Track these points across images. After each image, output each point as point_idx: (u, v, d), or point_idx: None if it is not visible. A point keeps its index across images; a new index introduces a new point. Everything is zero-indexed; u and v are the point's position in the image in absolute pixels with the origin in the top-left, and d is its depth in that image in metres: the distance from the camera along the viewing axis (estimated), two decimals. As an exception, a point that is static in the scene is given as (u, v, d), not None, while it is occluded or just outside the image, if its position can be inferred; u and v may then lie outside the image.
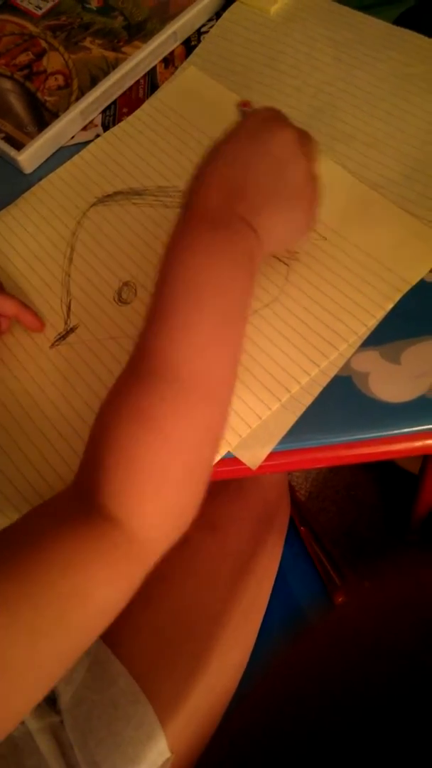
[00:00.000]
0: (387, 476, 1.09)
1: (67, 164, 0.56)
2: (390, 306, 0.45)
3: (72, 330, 0.49)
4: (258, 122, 0.41)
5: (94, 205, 0.54)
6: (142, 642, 0.50)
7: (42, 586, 0.31)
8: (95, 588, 0.33)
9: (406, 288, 0.45)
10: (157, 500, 0.36)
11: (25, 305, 0.48)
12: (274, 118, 0.42)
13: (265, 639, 0.62)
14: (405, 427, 0.42)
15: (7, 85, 0.60)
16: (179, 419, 0.36)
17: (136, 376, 0.37)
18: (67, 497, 0.38)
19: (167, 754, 0.48)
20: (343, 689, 0.16)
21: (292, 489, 1.06)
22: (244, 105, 0.44)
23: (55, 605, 0.31)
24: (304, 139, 0.42)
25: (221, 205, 0.39)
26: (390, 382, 0.43)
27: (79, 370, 0.47)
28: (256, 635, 0.57)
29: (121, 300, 0.49)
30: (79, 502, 0.36)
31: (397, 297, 0.45)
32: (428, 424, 0.42)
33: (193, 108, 0.56)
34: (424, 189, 0.48)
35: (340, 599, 0.70)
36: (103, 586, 0.33)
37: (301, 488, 1.14)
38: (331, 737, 0.15)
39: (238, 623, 0.54)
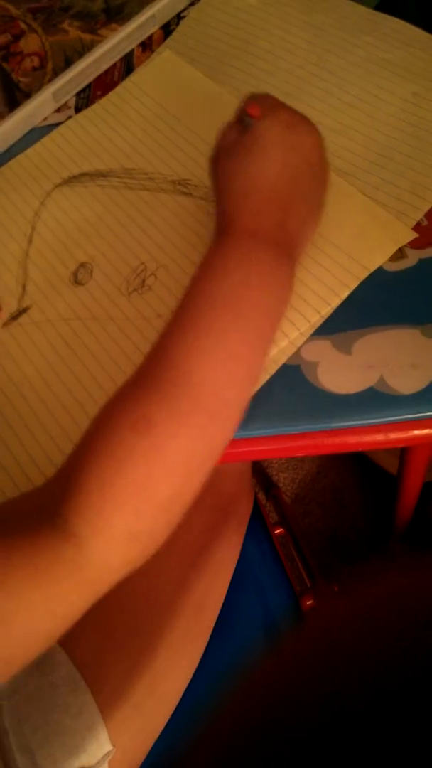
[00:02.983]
0: (375, 480, 1.07)
1: (36, 145, 0.56)
2: (346, 294, 0.43)
3: (24, 310, 0.48)
4: (285, 128, 0.40)
5: (58, 186, 0.53)
6: (86, 632, 0.49)
7: None
8: (21, 611, 0.29)
9: (364, 275, 0.44)
10: (130, 522, 0.31)
11: None
12: (297, 122, 0.40)
13: (234, 643, 0.61)
14: (352, 420, 0.40)
15: (-17, 65, 0.59)
16: (181, 431, 0.33)
17: (145, 381, 0.34)
18: (27, 501, 0.35)
19: (108, 747, 0.47)
20: (319, 703, 0.15)
21: (278, 491, 1.05)
22: (251, 113, 0.40)
23: None
24: (311, 125, 0.41)
25: (276, 224, 0.38)
26: (339, 372, 0.41)
27: (28, 352, 0.46)
28: (209, 630, 0.55)
29: (76, 281, 0.48)
30: (37, 510, 0.32)
31: (355, 284, 0.43)
32: (377, 418, 0.40)
33: (166, 92, 0.56)
34: (390, 176, 0.46)
35: (308, 602, 0.69)
36: (36, 610, 0.29)
37: (288, 490, 1.13)
38: (310, 753, 0.14)
39: (189, 617, 0.52)
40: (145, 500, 0.32)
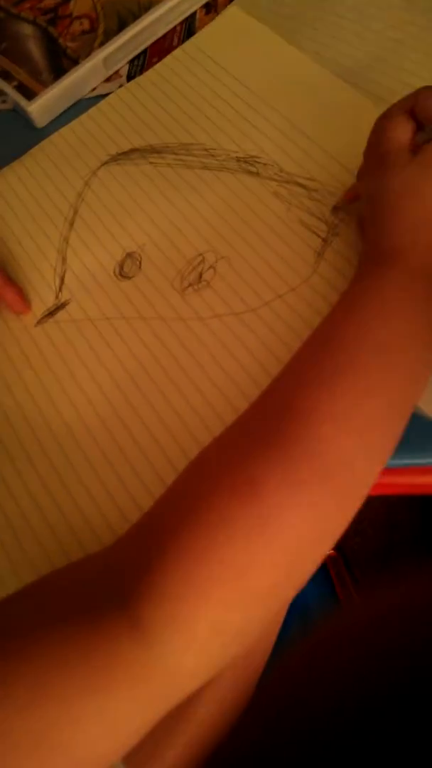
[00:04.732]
0: (429, 499, 0.98)
1: (82, 117, 0.49)
2: None
3: (62, 306, 0.41)
4: None
5: (105, 163, 0.46)
6: None
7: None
8: (73, 723, 0.22)
9: None
10: (216, 615, 0.25)
11: (10, 280, 0.42)
12: None
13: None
14: None
15: (28, 30, 0.53)
16: (294, 504, 0.26)
17: (260, 431, 0.28)
18: (92, 566, 0.28)
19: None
20: (344, 696, 0.15)
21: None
22: None
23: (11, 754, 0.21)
24: None
25: None
26: (441, 395, 0.33)
27: (64, 355, 0.40)
28: (257, 676, 0.48)
29: (122, 274, 0.42)
30: (105, 582, 0.26)
31: None
32: None
33: (233, 55, 0.48)
34: None
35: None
36: (91, 725, 0.22)
37: (337, 505, 1.05)
38: (333, 744, 0.14)
39: (237, 665, 0.46)
40: (238, 588, 0.25)
